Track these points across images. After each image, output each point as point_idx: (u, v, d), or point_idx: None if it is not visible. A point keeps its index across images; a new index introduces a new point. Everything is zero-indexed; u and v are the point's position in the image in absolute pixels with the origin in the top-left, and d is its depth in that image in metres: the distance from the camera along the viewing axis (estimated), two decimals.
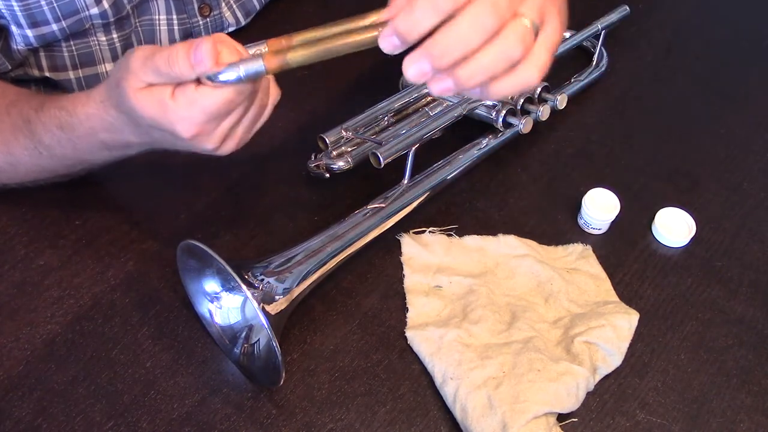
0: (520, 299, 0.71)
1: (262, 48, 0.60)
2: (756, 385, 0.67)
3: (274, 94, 0.63)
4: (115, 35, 0.82)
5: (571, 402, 0.64)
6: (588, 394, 0.65)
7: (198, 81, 0.56)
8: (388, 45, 0.55)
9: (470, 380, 0.63)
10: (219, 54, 0.55)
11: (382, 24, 0.53)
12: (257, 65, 0.55)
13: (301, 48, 0.55)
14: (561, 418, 0.64)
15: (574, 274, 0.73)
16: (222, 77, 0.55)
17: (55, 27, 0.75)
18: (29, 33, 0.75)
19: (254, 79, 0.56)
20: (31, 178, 0.72)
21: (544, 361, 0.64)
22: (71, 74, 0.82)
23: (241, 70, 0.55)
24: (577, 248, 0.75)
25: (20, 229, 0.75)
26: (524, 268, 0.72)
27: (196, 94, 0.56)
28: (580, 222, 0.77)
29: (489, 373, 0.64)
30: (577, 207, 0.77)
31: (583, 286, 0.72)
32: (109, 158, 0.68)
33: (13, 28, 0.74)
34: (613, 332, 0.67)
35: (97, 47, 0.81)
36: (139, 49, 0.57)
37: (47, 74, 0.81)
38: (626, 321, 0.69)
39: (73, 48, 0.80)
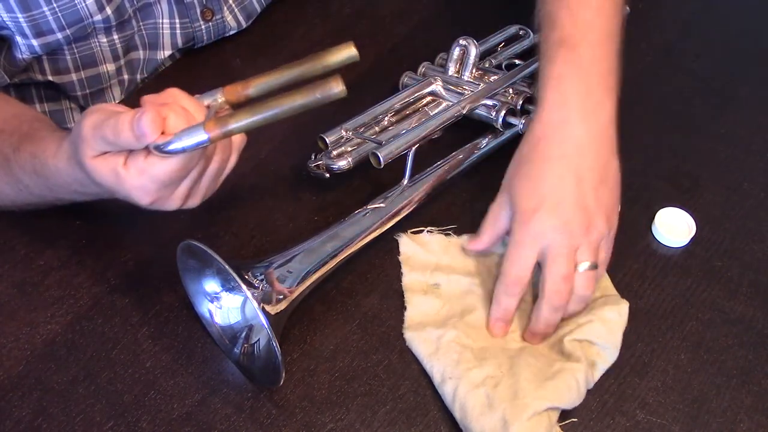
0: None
1: (218, 97, 0.59)
2: (756, 385, 0.67)
3: (237, 141, 0.62)
4: (115, 37, 0.82)
5: (572, 397, 0.63)
6: (588, 393, 0.65)
7: (148, 149, 0.55)
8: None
9: (468, 379, 0.63)
10: (165, 120, 0.55)
11: (335, 75, 0.53)
12: (199, 136, 0.54)
13: (245, 113, 0.54)
14: (561, 418, 0.64)
15: None
16: (168, 148, 0.55)
17: (59, 35, 0.76)
18: (34, 43, 0.75)
19: (200, 148, 0.55)
20: (18, 207, 0.72)
21: (539, 367, 0.64)
22: (74, 76, 0.83)
23: (185, 142, 0.54)
24: None
25: (20, 229, 0.75)
26: None
27: (146, 164, 0.56)
28: None
29: (487, 372, 0.64)
30: None
31: None
32: (92, 198, 0.67)
33: (18, 39, 0.74)
34: (603, 326, 0.67)
35: (98, 48, 0.82)
36: (91, 114, 0.57)
37: (50, 78, 0.82)
38: (615, 312, 0.68)
39: (75, 51, 0.80)
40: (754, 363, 0.69)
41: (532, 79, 0.84)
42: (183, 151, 0.55)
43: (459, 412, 0.63)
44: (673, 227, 0.77)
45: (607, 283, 0.73)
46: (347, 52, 0.58)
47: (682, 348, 0.69)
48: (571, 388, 0.63)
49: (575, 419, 0.64)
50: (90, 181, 0.60)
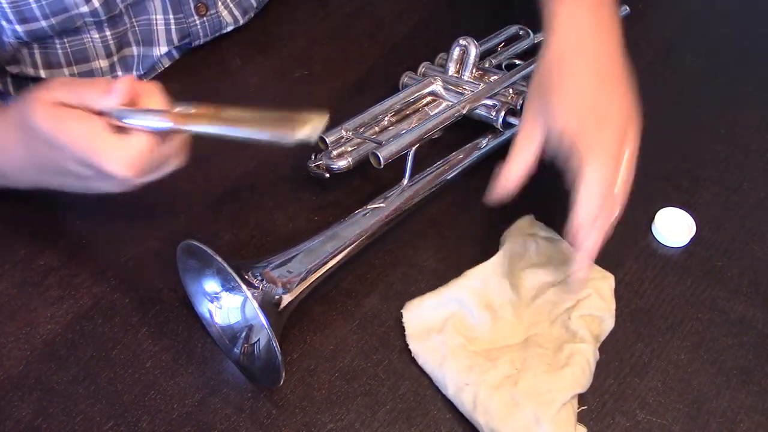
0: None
1: (190, 110, 0.60)
2: (756, 385, 0.67)
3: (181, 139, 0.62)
4: (108, 33, 0.82)
5: (587, 379, 0.64)
6: (588, 393, 0.66)
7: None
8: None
9: (487, 383, 0.63)
10: (138, 97, 0.57)
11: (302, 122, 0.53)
12: (160, 122, 0.57)
13: (207, 119, 0.57)
14: None
15: (536, 239, 0.74)
16: (126, 119, 0.57)
17: (44, 23, 0.76)
18: (19, 28, 0.75)
19: (154, 130, 0.58)
20: None
21: (549, 355, 0.65)
22: (66, 71, 0.83)
23: (144, 121, 0.57)
24: (524, 219, 0.76)
25: (20, 229, 0.75)
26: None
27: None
28: None
29: (503, 372, 0.64)
30: None
31: (545, 250, 0.73)
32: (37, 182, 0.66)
33: (3, 23, 0.75)
34: (600, 298, 0.69)
35: (91, 44, 0.82)
36: (59, 77, 0.60)
37: (42, 72, 0.82)
38: (606, 284, 0.70)
39: (67, 45, 0.80)
40: (754, 363, 0.69)
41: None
42: (139, 128, 0.57)
43: (483, 416, 0.62)
44: (673, 227, 0.77)
45: (563, 246, 0.73)
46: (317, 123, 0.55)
47: (682, 348, 0.70)
48: (585, 371, 0.64)
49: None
50: (35, 140, 0.59)
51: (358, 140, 0.77)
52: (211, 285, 0.66)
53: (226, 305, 0.67)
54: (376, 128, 0.79)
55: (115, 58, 0.86)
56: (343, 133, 0.77)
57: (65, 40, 0.80)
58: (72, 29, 0.79)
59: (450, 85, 0.82)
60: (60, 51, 0.81)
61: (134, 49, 0.87)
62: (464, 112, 0.79)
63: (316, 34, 0.96)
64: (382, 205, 0.72)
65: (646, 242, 0.77)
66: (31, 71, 0.81)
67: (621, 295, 0.72)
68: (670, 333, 0.70)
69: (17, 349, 0.67)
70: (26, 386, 0.65)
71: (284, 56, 0.93)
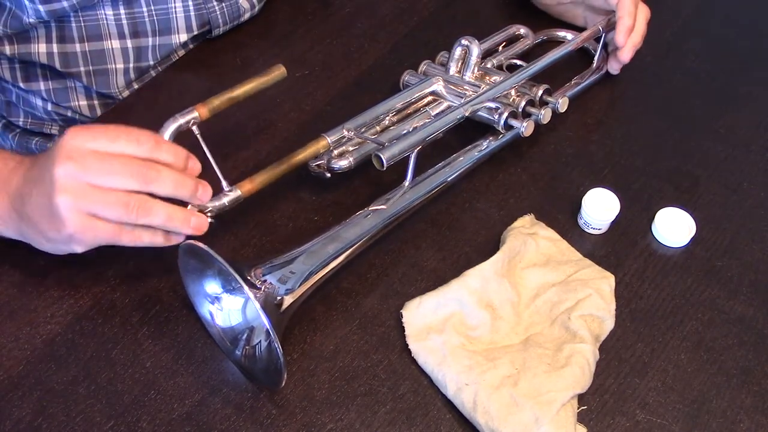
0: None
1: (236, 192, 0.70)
2: (756, 385, 0.67)
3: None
4: (122, 11, 0.83)
5: (586, 379, 0.65)
6: (588, 393, 0.66)
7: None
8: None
9: (487, 383, 0.63)
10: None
11: None
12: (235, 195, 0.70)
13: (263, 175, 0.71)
14: None
15: (536, 238, 0.74)
16: (211, 210, 0.69)
17: (65, 4, 0.78)
18: (41, 8, 0.77)
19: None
20: None
21: (549, 355, 0.65)
22: (77, 47, 0.84)
23: (223, 201, 0.69)
24: (525, 218, 0.76)
25: None
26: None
27: None
28: (580, 222, 0.78)
29: (503, 372, 0.64)
30: (577, 207, 0.77)
31: (545, 250, 0.73)
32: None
33: (26, 2, 0.76)
34: (600, 298, 0.69)
35: (104, 21, 0.83)
36: None
37: (55, 47, 0.82)
38: (606, 284, 0.71)
39: (81, 19, 0.82)
40: (754, 363, 0.69)
41: (535, 81, 0.84)
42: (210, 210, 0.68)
43: (483, 416, 0.62)
44: (673, 227, 0.77)
45: (565, 245, 0.74)
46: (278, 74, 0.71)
47: (682, 348, 0.70)
48: (584, 371, 0.64)
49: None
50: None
51: (360, 140, 0.77)
52: (212, 286, 0.66)
53: (227, 307, 0.67)
54: (378, 128, 0.79)
55: (129, 43, 0.86)
56: (345, 132, 0.77)
57: (80, 15, 0.81)
58: (89, 5, 0.80)
59: (451, 85, 0.82)
60: (74, 25, 0.82)
61: (150, 39, 0.88)
62: (467, 114, 0.79)
63: (316, 34, 0.96)
64: (383, 207, 0.72)
65: (646, 242, 0.77)
66: (42, 48, 0.82)
67: (621, 295, 0.72)
68: (670, 333, 0.70)
69: (17, 349, 0.67)
70: (26, 386, 0.65)
71: (284, 56, 0.93)
